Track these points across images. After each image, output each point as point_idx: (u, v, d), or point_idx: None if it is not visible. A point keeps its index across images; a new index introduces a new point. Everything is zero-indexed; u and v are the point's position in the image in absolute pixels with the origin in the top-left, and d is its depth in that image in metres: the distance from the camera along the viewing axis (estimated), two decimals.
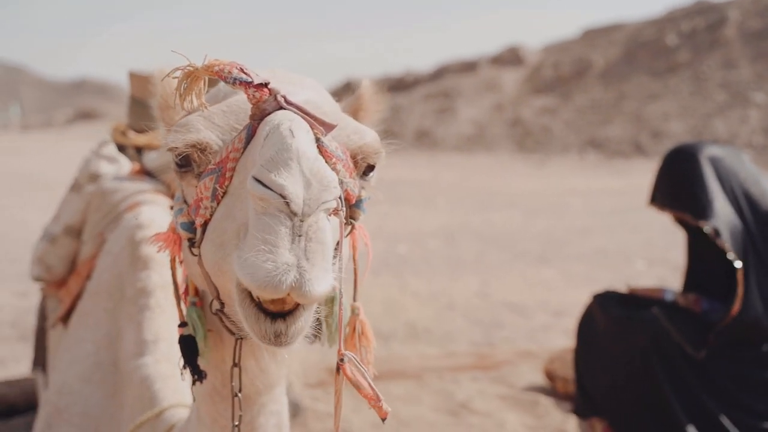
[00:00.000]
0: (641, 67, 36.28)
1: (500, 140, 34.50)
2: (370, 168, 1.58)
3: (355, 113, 1.79)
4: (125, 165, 3.40)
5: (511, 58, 41.81)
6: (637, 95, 34.16)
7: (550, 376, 5.01)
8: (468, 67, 41.95)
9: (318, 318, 1.45)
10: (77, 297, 2.97)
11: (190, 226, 1.48)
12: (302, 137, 1.29)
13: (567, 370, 4.85)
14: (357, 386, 1.41)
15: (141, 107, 3.43)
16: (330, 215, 1.29)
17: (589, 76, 38.07)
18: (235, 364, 1.64)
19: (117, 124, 3.60)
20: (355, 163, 1.53)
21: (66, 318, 2.98)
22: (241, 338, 1.59)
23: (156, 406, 2.19)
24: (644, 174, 23.58)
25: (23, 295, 7.94)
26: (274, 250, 1.20)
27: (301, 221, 1.22)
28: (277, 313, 1.30)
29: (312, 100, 1.51)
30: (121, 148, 3.42)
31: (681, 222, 3.80)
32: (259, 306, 1.30)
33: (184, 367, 1.65)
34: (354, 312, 1.76)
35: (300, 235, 1.22)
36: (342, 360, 1.40)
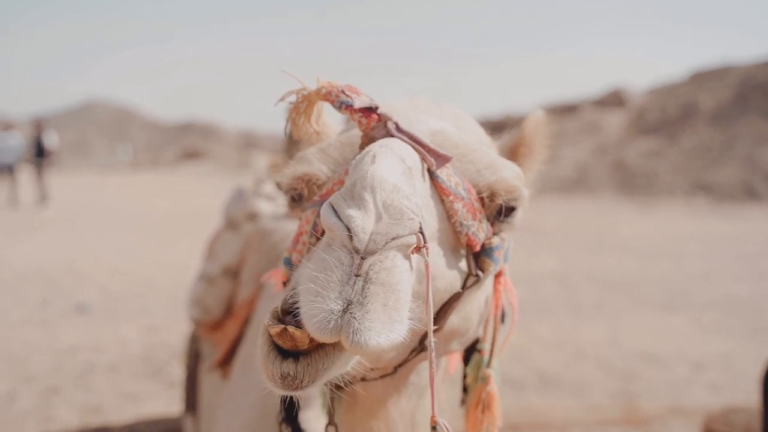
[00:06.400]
0: (754, 109, 34.95)
1: (602, 183, 33.72)
2: (510, 209, 1.38)
3: (515, 149, 1.64)
4: (283, 203, 3.34)
5: (614, 100, 41.13)
6: (749, 138, 32.86)
7: None
8: (570, 109, 41.42)
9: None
10: (235, 341, 2.87)
11: (290, 263, 1.32)
12: (384, 165, 1.10)
13: (730, 431, 4.48)
14: None
15: (298, 144, 3.38)
16: (411, 253, 1.08)
17: (697, 118, 36.94)
18: (330, 422, 1.45)
19: (274, 161, 3.55)
20: (488, 203, 1.35)
21: (223, 363, 2.88)
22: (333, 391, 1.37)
23: None
24: (759, 219, 22.53)
25: (151, 329, 8.06)
26: (322, 293, 1.02)
27: (362, 259, 1.03)
28: (289, 351, 1.11)
29: (442, 131, 1.37)
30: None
31: None
32: (272, 342, 1.12)
33: (283, 423, 1.47)
34: (483, 380, 1.54)
35: (358, 275, 1.03)
36: (434, 429, 1.18)
